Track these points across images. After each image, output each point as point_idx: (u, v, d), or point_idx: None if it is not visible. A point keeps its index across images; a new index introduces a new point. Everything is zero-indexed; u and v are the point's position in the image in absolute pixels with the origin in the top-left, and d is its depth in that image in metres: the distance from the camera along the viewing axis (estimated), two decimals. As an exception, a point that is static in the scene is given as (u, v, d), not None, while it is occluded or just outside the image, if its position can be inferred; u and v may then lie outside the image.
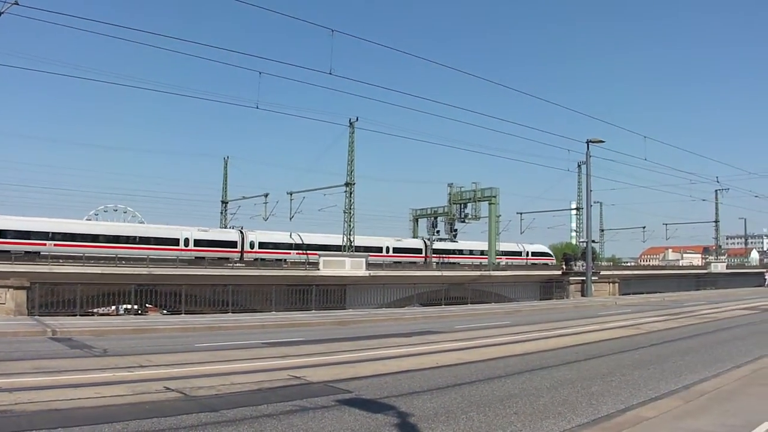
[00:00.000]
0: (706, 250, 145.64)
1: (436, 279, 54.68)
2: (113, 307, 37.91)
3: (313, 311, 34.56)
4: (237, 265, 54.68)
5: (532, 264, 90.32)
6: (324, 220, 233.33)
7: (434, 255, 77.43)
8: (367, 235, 72.00)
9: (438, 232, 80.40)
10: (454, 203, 79.08)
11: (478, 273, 63.15)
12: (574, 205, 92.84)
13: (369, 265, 56.75)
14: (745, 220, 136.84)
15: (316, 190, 67.96)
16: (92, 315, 33.40)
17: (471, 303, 43.51)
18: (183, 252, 59.24)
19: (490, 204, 75.87)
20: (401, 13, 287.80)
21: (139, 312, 38.99)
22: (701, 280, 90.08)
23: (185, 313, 30.99)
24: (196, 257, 58.13)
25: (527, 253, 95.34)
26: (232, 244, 65.04)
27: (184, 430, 8.72)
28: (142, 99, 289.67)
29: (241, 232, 66.80)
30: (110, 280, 39.27)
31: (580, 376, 13.85)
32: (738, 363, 15.91)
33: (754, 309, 38.03)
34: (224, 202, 79.33)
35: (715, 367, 15.45)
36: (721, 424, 8.69)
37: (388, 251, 65.89)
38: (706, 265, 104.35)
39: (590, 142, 51.17)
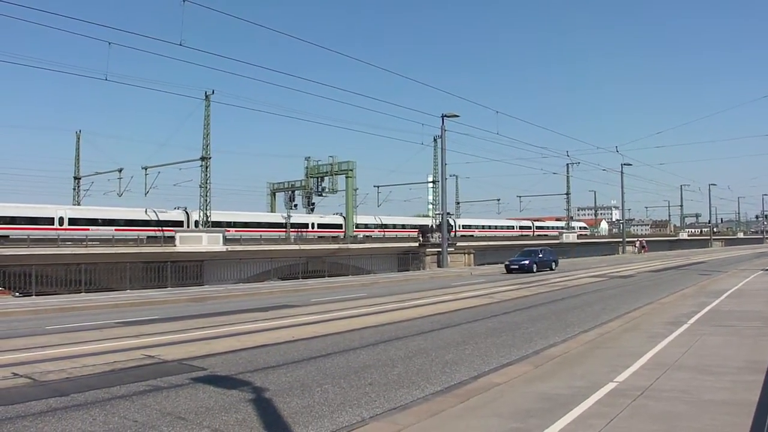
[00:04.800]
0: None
1: (295, 253, 54.61)
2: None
3: (170, 288, 34.02)
4: (91, 242, 51.55)
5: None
6: (181, 195, 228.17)
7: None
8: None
9: (296, 206, 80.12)
10: (311, 177, 79.03)
11: (336, 246, 63.50)
12: (430, 179, 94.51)
13: (226, 241, 56.12)
14: (595, 192, 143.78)
15: (171, 164, 66.40)
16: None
17: (329, 276, 43.89)
18: None
19: (347, 177, 76.70)
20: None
21: None
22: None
23: (36, 295, 29.77)
24: None
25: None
26: None
27: (33, 417, 8.37)
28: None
29: None
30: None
31: (435, 346, 14.10)
32: (586, 328, 16.59)
33: (602, 276, 40.04)
34: (77, 178, 75.48)
35: (564, 332, 16.07)
36: (568, 387, 8.96)
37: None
38: (559, 235, 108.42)
39: (445, 116, 52.24)
